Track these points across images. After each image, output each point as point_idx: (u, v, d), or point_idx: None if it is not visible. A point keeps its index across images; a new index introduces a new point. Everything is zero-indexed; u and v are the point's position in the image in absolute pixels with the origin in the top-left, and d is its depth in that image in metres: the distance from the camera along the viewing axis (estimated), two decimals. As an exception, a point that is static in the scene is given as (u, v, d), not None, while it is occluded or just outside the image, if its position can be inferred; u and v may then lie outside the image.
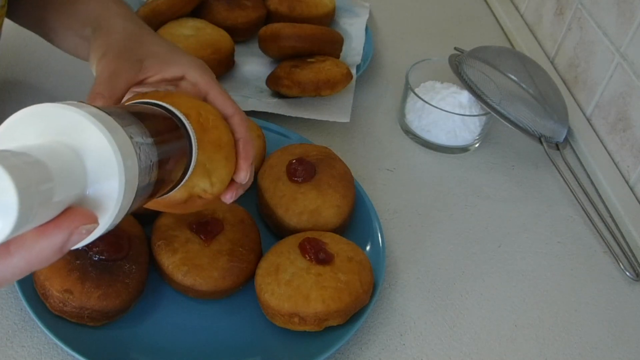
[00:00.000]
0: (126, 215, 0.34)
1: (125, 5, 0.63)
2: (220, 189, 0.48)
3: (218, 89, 0.53)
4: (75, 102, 0.32)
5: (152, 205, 0.47)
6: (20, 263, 0.30)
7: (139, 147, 0.33)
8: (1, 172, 0.26)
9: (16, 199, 0.26)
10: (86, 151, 0.30)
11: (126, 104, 0.44)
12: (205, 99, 0.53)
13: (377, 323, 0.60)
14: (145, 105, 0.41)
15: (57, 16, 0.63)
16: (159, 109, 0.42)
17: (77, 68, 0.78)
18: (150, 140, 0.35)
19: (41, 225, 0.30)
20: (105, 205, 0.31)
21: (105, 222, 0.32)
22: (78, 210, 0.31)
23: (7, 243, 0.30)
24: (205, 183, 0.47)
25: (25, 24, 0.68)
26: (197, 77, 0.53)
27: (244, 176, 0.50)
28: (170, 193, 0.44)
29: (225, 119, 0.52)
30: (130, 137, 0.33)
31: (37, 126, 0.30)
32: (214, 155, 0.47)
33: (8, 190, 0.26)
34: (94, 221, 0.31)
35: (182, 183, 0.44)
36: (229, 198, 0.51)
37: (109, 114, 0.32)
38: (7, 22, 0.68)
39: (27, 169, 0.27)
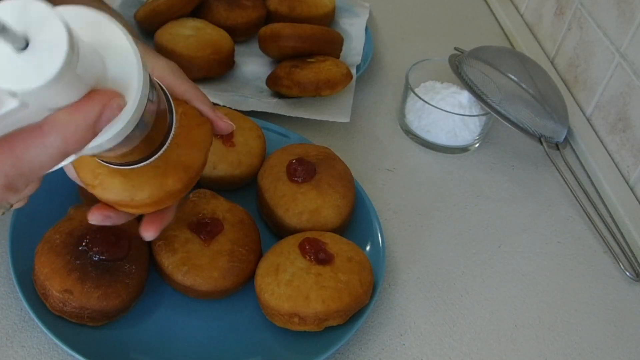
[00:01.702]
0: (124, 141, 0.34)
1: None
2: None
3: (194, 92, 0.51)
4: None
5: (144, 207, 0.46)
6: (56, 142, 0.30)
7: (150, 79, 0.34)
8: (55, 19, 0.27)
9: (65, 49, 0.27)
10: (107, 47, 0.32)
11: None
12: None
13: (377, 323, 0.60)
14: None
15: None
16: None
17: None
18: (153, 92, 0.36)
19: (73, 103, 0.30)
20: (126, 94, 0.32)
21: (130, 107, 0.32)
22: (105, 89, 0.31)
23: (40, 124, 0.30)
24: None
25: None
26: (173, 81, 0.52)
27: (224, 125, 0.51)
28: (139, 165, 0.43)
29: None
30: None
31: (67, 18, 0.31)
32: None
33: (61, 37, 0.27)
34: (121, 99, 0.31)
35: (158, 154, 0.42)
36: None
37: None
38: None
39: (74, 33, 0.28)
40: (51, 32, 0.27)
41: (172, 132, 0.43)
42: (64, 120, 0.30)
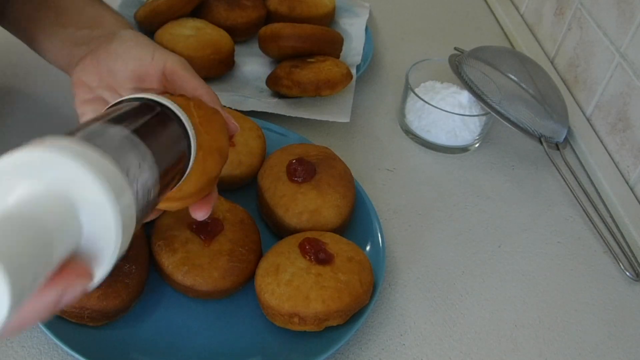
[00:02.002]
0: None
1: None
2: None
3: (205, 89, 0.53)
4: (62, 139, 0.30)
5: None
6: (12, 322, 0.28)
7: (136, 181, 0.32)
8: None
9: (8, 296, 0.24)
10: (80, 201, 0.29)
11: (123, 100, 0.43)
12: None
13: (377, 323, 0.60)
14: (139, 106, 0.40)
15: (47, 19, 0.62)
16: (154, 104, 0.41)
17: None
18: (150, 160, 0.35)
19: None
20: (100, 255, 0.30)
21: (102, 271, 0.30)
22: (72, 267, 0.29)
23: None
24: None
25: (12, 28, 0.67)
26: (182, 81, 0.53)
27: (234, 127, 0.52)
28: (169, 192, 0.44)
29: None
30: (127, 173, 0.31)
31: (29, 176, 0.28)
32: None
33: (2, 295, 0.24)
34: (89, 278, 0.29)
35: (180, 182, 0.44)
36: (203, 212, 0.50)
37: (101, 148, 0.30)
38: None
39: (20, 251, 0.25)
40: None
41: (193, 153, 0.44)
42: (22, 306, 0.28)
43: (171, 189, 0.42)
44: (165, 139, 0.39)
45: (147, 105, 0.41)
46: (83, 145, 0.30)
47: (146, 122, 0.38)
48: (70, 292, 0.29)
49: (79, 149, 0.29)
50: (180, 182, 0.44)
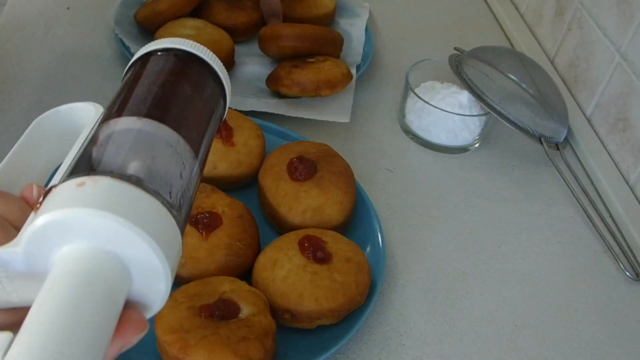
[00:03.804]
0: None
1: None
2: None
3: None
4: (105, 182, 0.27)
5: None
6: None
7: (180, 198, 0.30)
8: None
9: None
10: (132, 261, 0.28)
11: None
12: None
13: (377, 323, 0.60)
14: (169, 71, 0.36)
15: None
16: (181, 59, 0.36)
17: (60, 73, 0.78)
18: (190, 157, 0.32)
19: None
20: (152, 301, 0.29)
21: (155, 311, 0.30)
22: (128, 321, 0.28)
23: None
24: None
25: None
26: None
27: None
28: None
29: None
30: (169, 195, 0.29)
31: (72, 237, 0.27)
32: None
33: None
34: (144, 329, 0.29)
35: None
36: None
37: (146, 180, 0.29)
38: None
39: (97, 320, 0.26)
40: None
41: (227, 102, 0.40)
42: None
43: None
44: (202, 112, 0.35)
45: (176, 68, 0.36)
46: (128, 192, 0.28)
47: (180, 99, 0.34)
48: (128, 345, 0.29)
49: (125, 202, 0.27)
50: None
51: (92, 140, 0.31)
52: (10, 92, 0.79)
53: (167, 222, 0.29)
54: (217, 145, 0.67)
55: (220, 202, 0.61)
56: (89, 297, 0.26)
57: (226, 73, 0.39)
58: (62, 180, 0.28)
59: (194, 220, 0.59)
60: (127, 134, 0.31)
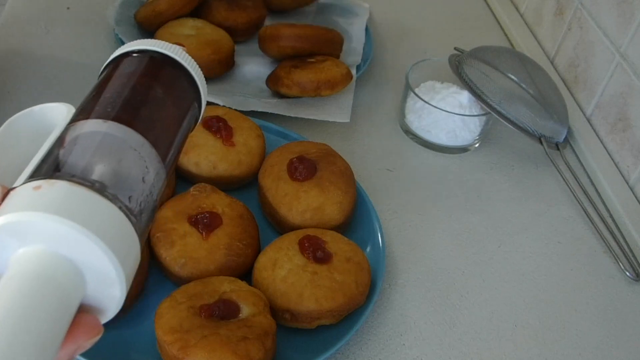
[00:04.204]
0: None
1: None
2: None
3: None
4: (61, 186, 0.27)
5: None
6: None
7: (139, 205, 0.30)
8: None
9: None
10: (84, 263, 0.27)
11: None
12: None
13: (377, 323, 0.60)
14: (139, 71, 0.35)
15: None
16: (155, 60, 0.36)
17: (58, 70, 0.78)
18: (155, 161, 0.32)
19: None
20: (107, 305, 0.29)
21: (109, 316, 0.30)
22: (82, 324, 0.28)
23: None
24: None
25: None
26: None
27: None
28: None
29: None
30: (129, 201, 0.29)
31: (25, 240, 0.27)
32: None
33: None
34: (98, 333, 0.29)
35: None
36: None
37: (103, 186, 0.28)
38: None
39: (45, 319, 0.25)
40: None
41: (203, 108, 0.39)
42: None
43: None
44: (172, 113, 0.35)
45: (148, 69, 0.36)
46: (82, 196, 0.28)
47: (148, 100, 0.34)
48: (81, 350, 0.28)
49: (77, 205, 0.27)
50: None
51: (58, 142, 0.31)
52: (10, 92, 0.79)
53: (124, 228, 0.28)
54: (217, 145, 0.67)
55: (220, 202, 0.61)
56: (39, 298, 0.26)
57: (202, 74, 0.38)
58: (22, 183, 0.28)
59: (194, 220, 0.59)
60: (92, 137, 0.31)
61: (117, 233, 0.28)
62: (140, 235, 0.30)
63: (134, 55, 0.36)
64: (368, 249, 0.63)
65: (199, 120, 0.39)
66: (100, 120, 0.32)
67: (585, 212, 0.74)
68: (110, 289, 0.28)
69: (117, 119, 0.32)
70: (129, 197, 0.30)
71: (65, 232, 0.26)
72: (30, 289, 0.26)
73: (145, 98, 0.34)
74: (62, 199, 0.27)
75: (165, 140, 0.34)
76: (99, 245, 0.27)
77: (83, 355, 0.51)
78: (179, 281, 0.57)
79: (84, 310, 0.29)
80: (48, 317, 0.26)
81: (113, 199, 0.28)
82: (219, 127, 0.67)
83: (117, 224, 0.28)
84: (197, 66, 0.38)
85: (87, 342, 0.28)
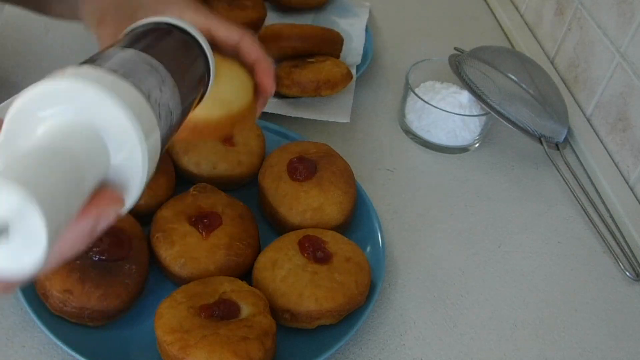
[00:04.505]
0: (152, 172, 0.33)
1: None
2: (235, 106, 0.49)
3: (217, 20, 0.52)
4: (85, 67, 0.30)
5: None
6: (54, 254, 0.29)
7: (158, 105, 0.32)
8: (33, 209, 0.25)
9: (44, 229, 0.25)
10: (106, 129, 0.29)
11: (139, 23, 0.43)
12: (209, 33, 0.52)
13: (377, 323, 0.60)
14: (156, 29, 0.40)
15: None
16: (170, 27, 0.41)
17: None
18: (170, 82, 0.35)
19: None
20: (129, 182, 0.31)
21: (132, 197, 0.31)
22: (104, 194, 0.30)
23: None
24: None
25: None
26: (194, 16, 0.52)
27: (270, 86, 0.53)
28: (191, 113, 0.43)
29: (235, 45, 0.52)
30: (148, 97, 0.32)
31: (51, 108, 0.29)
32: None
33: (37, 228, 0.25)
34: (120, 203, 0.30)
35: (201, 101, 0.44)
36: (258, 111, 0.54)
37: (123, 75, 0.31)
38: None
39: (56, 198, 0.26)
40: (29, 226, 0.25)
41: (212, 73, 0.44)
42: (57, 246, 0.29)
43: (193, 111, 0.41)
44: (183, 60, 0.39)
45: (164, 29, 0.41)
46: (104, 72, 0.30)
47: (163, 44, 0.38)
48: (104, 219, 0.30)
49: (101, 76, 0.29)
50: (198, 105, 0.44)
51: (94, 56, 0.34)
52: (10, 92, 0.79)
53: (144, 107, 0.31)
54: (217, 145, 0.67)
55: (220, 202, 0.61)
56: (74, 146, 0.28)
57: (213, 59, 0.45)
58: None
59: (194, 220, 0.59)
60: (118, 52, 0.35)
61: (138, 107, 0.30)
62: (160, 128, 0.32)
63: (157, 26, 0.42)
64: (368, 249, 0.63)
65: (208, 90, 0.44)
66: (131, 50, 0.36)
67: (585, 212, 0.74)
68: (132, 159, 0.30)
69: (141, 48, 0.36)
70: (148, 95, 0.32)
71: (87, 93, 0.29)
72: (66, 138, 0.28)
73: (163, 43, 0.39)
74: (83, 74, 0.29)
75: (178, 71, 0.37)
76: (118, 104, 0.29)
77: (83, 355, 0.51)
78: (179, 281, 0.57)
79: (106, 184, 0.30)
80: (78, 165, 0.27)
81: (134, 84, 0.31)
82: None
83: (138, 100, 0.30)
84: (204, 38, 0.44)
85: (110, 208, 0.30)
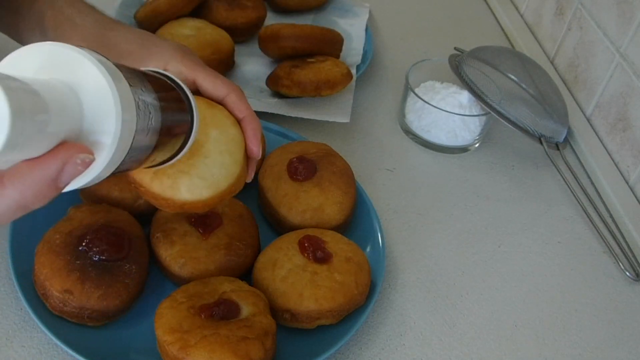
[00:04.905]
0: (118, 170, 0.33)
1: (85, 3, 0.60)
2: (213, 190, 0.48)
3: (204, 73, 0.51)
4: (82, 47, 0.31)
5: (150, 198, 0.47)
6: (14, 194, 0.30)
7: (140, 99, 0.33)
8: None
9: (8, 118, 0.26)
10: (83, 88, 0.30)
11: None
12: (194, 85, 0.51)
13: (377, 323, 0.60)
14: (152, 73, 0.41)
15: (21, 18, 0.61)
16: (164, 79, 0.42)
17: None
18: (152, 97, 0.35)
19: (36, 158, 0.29)
20: (101, 145, 0.31)
21: (102, 160, 0.31)
22: (73, 143, 0.30)
23: (1, 175, 0.30)
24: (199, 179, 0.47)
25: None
26: (179, 66, 0.51)
27: (256, 152, 0.50)
28: (167, 164, 0.43)
29: (220, 100, 0.51)
30: (131, 86, 0.32)
31: (37, 61, 0.30)
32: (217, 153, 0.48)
33: (1, 108, 0.26)
34: (89, 155, 0.30)
35: (177, 157, 0.43)
36: (248, 178, 0.52)
37: (115, 65, 0.32)
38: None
39: (23, 95, 0.27)
40: None
41: (195, 124, 0.43)
42: (23, 174, 0.29)
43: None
44: (166, 91, 0.39)
45: (148, 72, 0.42)
46: (92, 51, 0.32)
47: (147, 76, 0.39)
48: (70, 167, 0.29)
49: (85, 49, 0.31)
50: (172, 161, 0.43)
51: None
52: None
53: (125, 84, 0.32)
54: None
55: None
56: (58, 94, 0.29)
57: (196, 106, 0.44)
58: None
59: (194, 220, 0.59)
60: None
61: (113, 71, 0.31)
62: (136, 108, 0.33)
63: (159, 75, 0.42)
64: (368, 249, 0.63)
65: (192, 136, 0.43)
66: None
67: (585, 212, 0.74)
68: (105, 120, 0.30)
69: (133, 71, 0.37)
70: (128, 82, 0.33)
71: (73, 57, 0.30)
72: (46, 84, 0.29)
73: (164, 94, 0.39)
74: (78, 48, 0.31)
75: (161, 97, 0.38)
76: (97, 68, 0.30)
77: (83, 355, 0.51)
78: (179, 281, 0.57)
79: (81, 142, 0.31)
80: (50, 101, 0.28)
81: (116, 65, 0.32)
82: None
83: (118, 74, 0.32)
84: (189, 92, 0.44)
85: (77, 156, 0.30)
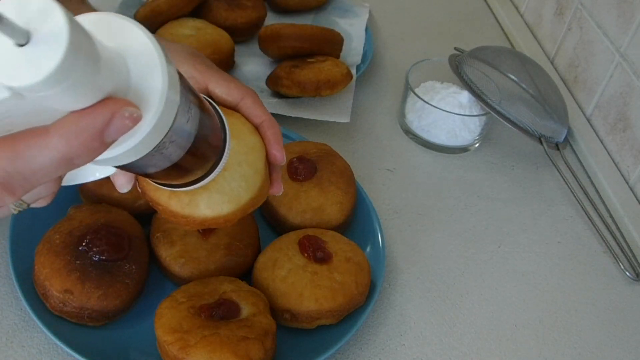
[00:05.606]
0: (159, 145, 0.32)
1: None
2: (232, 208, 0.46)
3: (217, 77, 0.49)
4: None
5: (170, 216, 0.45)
6: (59, 144, 0.28)
7: (182, 87, 0.32)
8: (57, 10, 0.25)
9: (64, 46, 0.25)
10: (132, 54, 0.30)
11: None
12: (206, 91, 0.50)
13: (377, 323, 0.60)
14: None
15: None
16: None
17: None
18: (192, 94, 0.34)
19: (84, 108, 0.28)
20: (148, 106, 0.30)
21: (148, 122, 0.30)
22: (120, 98, 0.29)
23: (47, 126, 0.28)
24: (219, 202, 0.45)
25: None
26: (191, 71, 0.50)
27: (280, 157, 0.47)
28: (194, 187, 0.42)
29: (235, 106, 0.49)
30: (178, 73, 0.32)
31: (87, 28, 0.29)
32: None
33: (60, 35, 0.25)
34: (137, 110, 0.29)
35: (207, 179, 0.42)
36: (277, 190, 0.49)
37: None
38: None
39: (82, 34, 0.26)
40: (52, 26, 0.25)
41: (228, 146, 0.41)
42: (69, 124, 0.28)
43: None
44: (202, 102, 0.38)
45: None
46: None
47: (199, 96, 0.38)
48: (118, 120, 0.28)
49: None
50: (201, 183, 0.42)
51: None
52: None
53: (172, 67, 0.32)
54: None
55: None
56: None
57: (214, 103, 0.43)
58: None
59: None
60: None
61: (170, 64, 0.31)
62: (180, 84, 0.32)
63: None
64: (368, 249, 0.63)
65: (226, 148, 0.42)
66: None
67: (585, 212, 0.74)
68: (151, 86, 0.30)
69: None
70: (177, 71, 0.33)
71: (124, 25, 0.30)
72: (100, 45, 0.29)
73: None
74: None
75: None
76: (152, 42, 0.30)
77: (83, 355, 0.51)
78: (179, 281, 0.57)
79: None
80: (102, 57, 0.28)
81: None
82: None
83: (171, 61, 0.32)
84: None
85: (125, 110, 0.29)
